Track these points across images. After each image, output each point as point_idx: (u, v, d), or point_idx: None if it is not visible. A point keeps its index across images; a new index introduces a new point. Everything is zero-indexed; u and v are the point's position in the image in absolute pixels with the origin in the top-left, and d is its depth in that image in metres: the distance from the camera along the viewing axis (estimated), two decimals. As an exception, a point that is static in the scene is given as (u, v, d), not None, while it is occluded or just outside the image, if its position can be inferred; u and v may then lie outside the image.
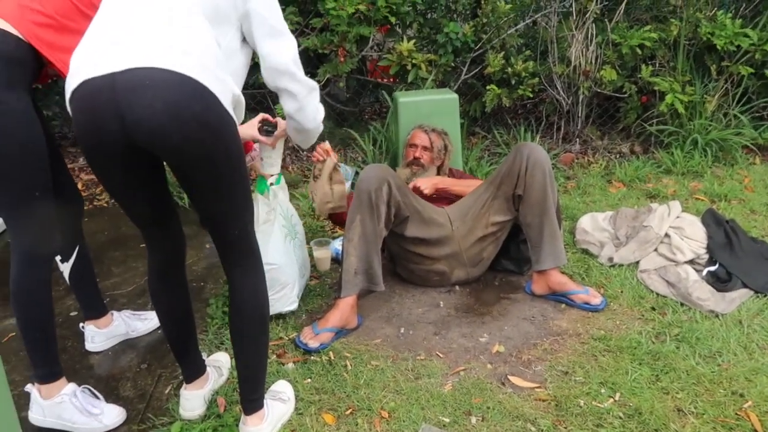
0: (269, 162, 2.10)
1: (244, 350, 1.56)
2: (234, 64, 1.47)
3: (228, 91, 1.28)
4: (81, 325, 2.09)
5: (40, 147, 1.58)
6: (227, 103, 1.27)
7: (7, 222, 1.61)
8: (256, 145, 2.08)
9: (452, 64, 3.66)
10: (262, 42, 1.47)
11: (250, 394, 1.60)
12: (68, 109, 1.26)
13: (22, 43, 1.51)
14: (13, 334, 2.21)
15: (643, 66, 3.63)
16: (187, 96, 1.19)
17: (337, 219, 2.69)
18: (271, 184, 2.14)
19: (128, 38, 1.23)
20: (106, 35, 1.25)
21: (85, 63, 1.22)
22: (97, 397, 1.77)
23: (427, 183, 2.48)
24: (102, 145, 1.24)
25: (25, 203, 1.57)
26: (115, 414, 1.75)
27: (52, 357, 1.70)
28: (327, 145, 2.32)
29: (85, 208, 3.34)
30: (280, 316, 2.20)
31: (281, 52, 1.49)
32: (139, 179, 1.38)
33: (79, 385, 1.77)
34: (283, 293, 2.12)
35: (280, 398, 1.73)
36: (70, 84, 1.24)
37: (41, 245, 1.64)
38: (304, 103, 1.57)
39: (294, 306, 2.18)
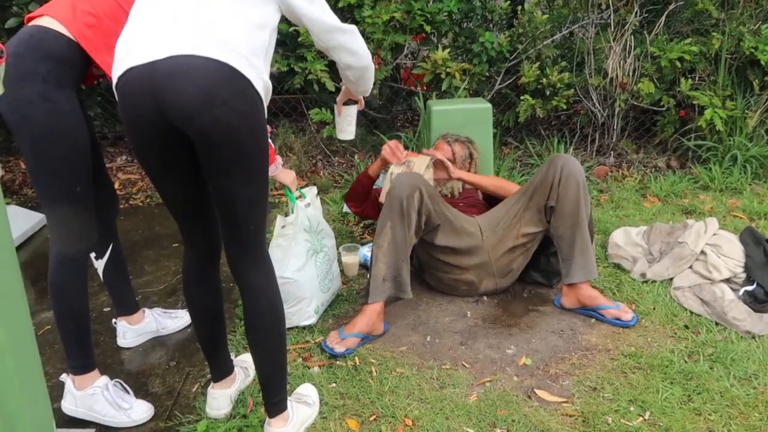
0: (340, 128, 2.23)
1: (261, 354, 1.57)
2: (268, 46, 1.46)
3: (259, 77, 1.33)
4: (113, 320, 2.14)
5: (85, 145, 1.63)
6: (259, 88, 1.33)
7: (48, 216, 1.67)
8: (278, 157, 2.11)
9: (486, 74, 3.65)
10: (304, 10, 1.47)
11: (271, 397, 1.61)
12: (115, 94, 1.34)
13: (73, 44, 1.57)
14: (49, 327, 2.27)
15: (683, 79, 3.56)
16: (221, 81, 1.26)
17: (367, 213, 2.69)
18: (299, 197, 2.15)
19: (170, 27, 1.30)
20: (150, 23, 1.33)
21: (130, 51, 1.29)
22: (128, 392, 1.81)
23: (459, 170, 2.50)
24: (142, 127, 1.32)
25: (66, 199, 1.62)
26: (143, 410, 1.78)
27: (87, 349, 1.75)
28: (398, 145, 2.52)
29: (121, 206, 3.43)
30: (307, 320, 2.21)
31: (324, 12, 1.51)
32: (177, 165, 1.42)
33: (111, 379, 1.81)
34: (299, 307, 2.13)
35: (305, 401, 1.74)
36: (116, 71, 1.31)
37: (79, 240, 1.69)
38: (356, 47, 1.58)
39: (311, 321, 2.18)
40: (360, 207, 2.74)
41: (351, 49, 1.56)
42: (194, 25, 1.30)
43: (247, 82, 1.29)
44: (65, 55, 1.56)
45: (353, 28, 1.57)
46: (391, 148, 2.49)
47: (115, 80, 1.32)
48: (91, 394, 1.74)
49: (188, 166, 1.42)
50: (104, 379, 1.78)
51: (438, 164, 2.55)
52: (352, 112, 2.20)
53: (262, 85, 1.35)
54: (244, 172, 1.37)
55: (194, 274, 1.63)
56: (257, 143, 1.36)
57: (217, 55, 1.26)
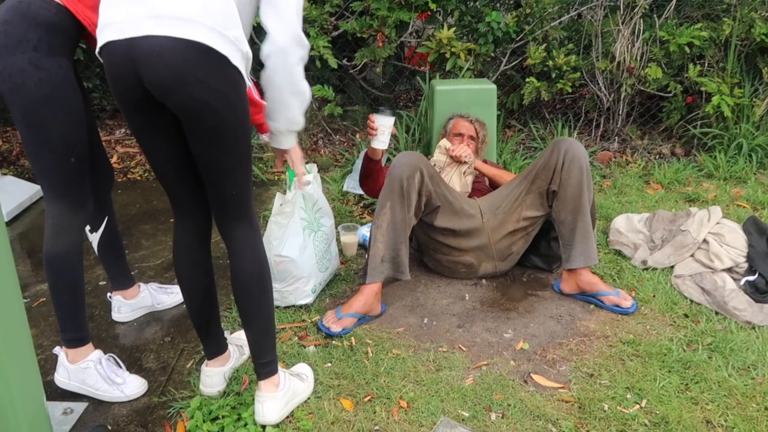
0: (377, 138, 2.30)
1: (248, 312, 1.59)
2: (249, 9, 1.46)
3: (237, 50, 1.33)
4: (108, 294, 2.12)
5: (79, 115, 1.59)
6: (237, 61, 1.33)
7: (42, 187, 1.64)
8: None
9: (492, 54, 3.59)
10: None
11: (260, 357, 1.61)
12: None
13: (61, 9, 1.52)
14: (44, 299, 2.25)
15: (691, 65, 3.50)
16: (195, 62, 1.28)
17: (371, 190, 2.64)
18: (304, 173, 2.11)
19: (154, 2, 1.29)
20: None
21: (110, 22, 1.30)
22: (121, 367, 1.80)
23: (467, 152, 2.45)
24: (126, 95, 1.36)
25: (60, 169, 1.59)
26: (136, 385, 1.77)
27: (81, 322, 1.73)
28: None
29: (119, 180, 3.40)
30: (304, 299, 2.19)
31: None
32: (161, 129, 1.43)
33: (105, 354, 1.79)
34: (296, 287, 2.11)
35: (299, 376, 1.73)
36: (99, 40, 1.33)
37: (74, 211, 1.66)
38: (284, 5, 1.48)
39: (309, 300, 2.16)
40: (374, 189, 2.71)
41: (277, 6, 1.41)
42: None
43: (222, 59, 1.30)
44: (54, 21, 1.52)
45: None
46: (368, 125, 2.40)
47: (98, 49, 1.34)
48: (84, 368, 1.72)
49: (172, 130, 1.43)
50: (98, 353, 1.77)
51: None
52: (388, 122, 2.24)
53: (241, 57, 1.35)
54: (225, 142, 1.39)
55: (184, 250, 1.63)
56: (236, 116, 1.38)
57: (192, 34, 1.26)
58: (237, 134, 1.40)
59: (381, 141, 2.27)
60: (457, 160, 2.48)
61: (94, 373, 1.73)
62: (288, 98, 1.46)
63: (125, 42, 1.27)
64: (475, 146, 2.63)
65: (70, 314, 1.70)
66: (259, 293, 1.57)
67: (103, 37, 1.31)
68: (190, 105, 1.31)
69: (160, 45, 1.26)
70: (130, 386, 1.76)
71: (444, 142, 2.53)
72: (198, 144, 1.39)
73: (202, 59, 1.28)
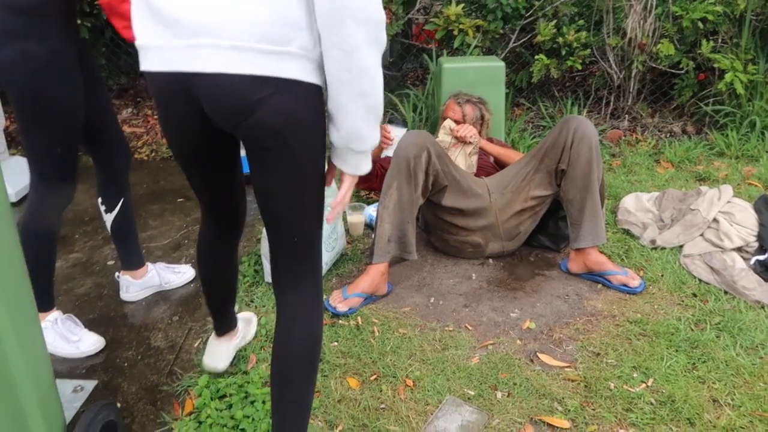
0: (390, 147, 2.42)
1: (286, 396, 1.27)
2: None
3: (308, 61, 1.09)
4: (117, 274, 2.14)
5: (74, 105, 1.58)
6: (309, 75, 1.10)
7: (29, 167, 1.66)
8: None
9: (501, 31, 3.53)
10: None
11: None
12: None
13: None
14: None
15: (704, 41, 3.43)
16: (258, 93, 1.07)
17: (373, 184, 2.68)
18: None
19: (193, 21, 1.06)
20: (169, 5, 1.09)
21: (151, 45, 1.12)
22: (78, 325, 1.88)
23: (472, 131, 2.44)
24: (177, 123, 1.20)
25: (44, 158, 1.61)
26: (92, 342, 1.86)
27: (47, 294, 1.82)
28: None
29: (127, 160, 3.40)
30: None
31: None
32: (212, 158, 1.28)
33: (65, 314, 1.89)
34: None
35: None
36: (142, 62, 1.15)
37: (54, 198, 1.70)
38: None
39: None
40: (366, 182, 2.76)
41: None
42: (225, 13, 1.05)
43: (293, 83, 1.08)
44: (37, 5, 1.47)
45: None
46: (383, 135, 2.53)
47: (142, 67, 1.16)
48: (44, 328, 1.78)
49: (223, 158, 1.30)
50: (56, 314, 1.86)
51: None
52: (401, 133, 2.29)
53: (313, 67, 1.10)
54: (296, 175, 1.17)
55: (209, 249, 1.53)
56: (314, 143, 1.16)
57: (251, 66, 1.05)
58: (310, 166, 1.18)
59: (392, 149, 2.32)
60: (462, 141, 2.45)
61: (52, 332, 1.83)
62: (345, 99, 1.10)
63: (177, 76, 1.09)
64: (478, 128, 2.61)
65: (36, 287, 1.74)
66: (308, 373, 1.27)
67: (147, 61, 1.14)
68: (260, 133, 1.11)
69: (219, 84, 1.07)
70: (85, 343, 1.85)
71: (448, 122, 2.51)
72: (262, 174, 1.17)
73: (270, 90, 1.07)
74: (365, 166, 1.20)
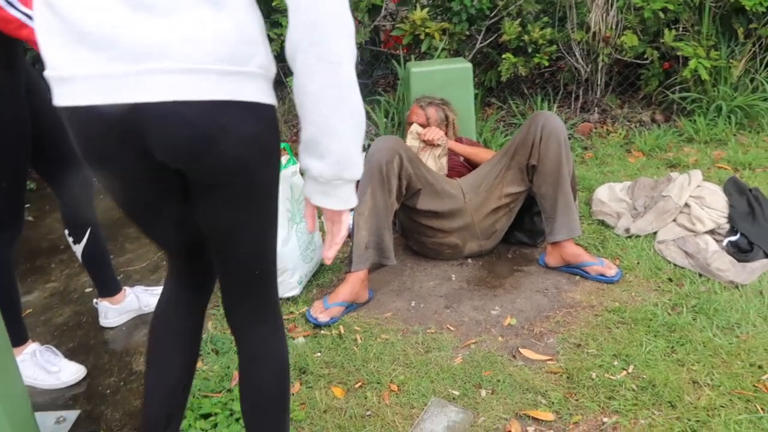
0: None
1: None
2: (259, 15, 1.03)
3: (265, 80, 0.99)
4: (95, 300, 2.12)
5: (16, 139, 1.56)
6: (267, 95, 1.00)
7: None
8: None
9: (467, 33, 3.57)
10: None
11: None
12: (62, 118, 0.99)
13: None
14: (30, 310, 2.25)
15: (666, 30, 3.50)
16: (218, 121, 0.94)
17: None
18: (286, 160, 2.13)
19: (137, 42, 0.90)
20: (89, 23, 0.90)
21: (76, 75, 0.92)
22: (57, 355, 1.87)
23: (439, 134, 2.46)
24: (116, 164, 1.01)
25: None
26: (72, 371, 1.85)
27: (15, 326, 1.78)
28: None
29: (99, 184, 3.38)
30: (291, 291, 2.19)
31: None
32: (166, 197, 1.09)
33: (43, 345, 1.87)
34: (282, 279, 2.10)
35: None
36: (61, 96, 0.95)
37: (3, 233, 1.67)
38: None
39: (295, 292, 2.16)
40: None
41: None
42: (164, 20, 0.90)
43: (253, 106, 0.97)
44: None
45: None
46: None
47: (62, 101, 0.95)
48: (21, 361, 1.78)
49: (180, 200, 1.10)
50: (34, 346, 1.85)
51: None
52: None
53: (269, 85, 1.00)
54: (256, 205, 1.06)
55: (168, 312, 1.26)
56: (273, 168, 1.06)
57: (209, 91, 0.92)
58: (270, 192, 1.07)
59: None
60: (429, 144, 2.48)
61: (31, 365, 1.81)
62: (335, 120, 0.95)
63: (115, 110, 0.91)
64: (444, 129, 2.63)
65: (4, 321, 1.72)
66: (279, 413, 1.21)
67: (70, 95, 0.94)
68: (224, 167, 0.98)
69: (173, 115, 0.92)
70: (66, 373, 1.84)
71: (415, 127, 2.53)
72: (221, 212, 1.04)
73: (233, 116, 0.95)
74: (353, 198, 1.03)
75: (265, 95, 0.99)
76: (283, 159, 2.13)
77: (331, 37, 0.92)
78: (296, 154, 3.09)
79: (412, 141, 2.50)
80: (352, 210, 2.47)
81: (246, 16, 0.95)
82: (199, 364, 1.84)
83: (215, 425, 1.62)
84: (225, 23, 0.92)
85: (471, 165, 2.55)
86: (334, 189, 1.00)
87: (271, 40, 3.31)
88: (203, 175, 1.00)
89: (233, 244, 1.09)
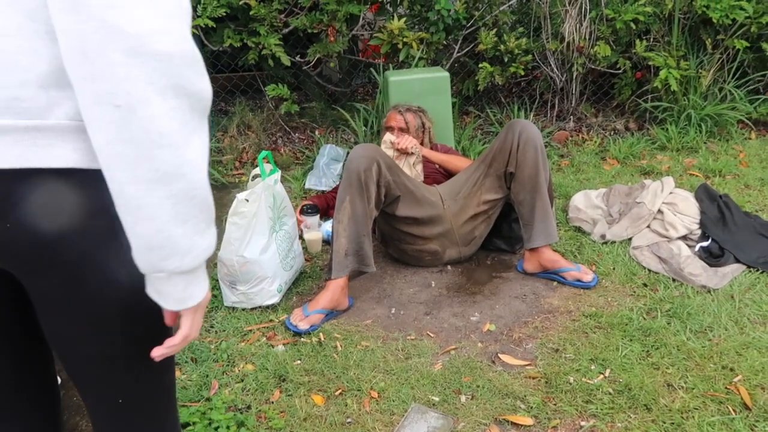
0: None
1: None
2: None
3: (60, 138, 0.71)
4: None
5: None
6: (57, 157, 0.71)
7: None
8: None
9: (444, 42, 3.61)
10: None
11: None
12: None
13: None
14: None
15: (638, 41, 3.58)
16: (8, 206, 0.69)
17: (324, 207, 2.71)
18: (269, 170, 2.13)
19: None
20: None
21: None
22: None
23: (413, 142, 2.49)
24: None
25: None
26: None
27: None
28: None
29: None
30: (270, 299, 2.19)
31: None
32: None
33: None
34: (261, 287, 2.09)
35: None
36: None
37: None
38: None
39: (275, 300, 2.15)
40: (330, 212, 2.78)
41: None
42: None
43: (64, 172, 0.71)
44: None
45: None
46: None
47: None
48: None
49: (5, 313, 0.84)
50: None
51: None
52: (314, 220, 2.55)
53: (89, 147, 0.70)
54: (85, 311, 0.77)
55: None
56: (106, 258, 0.75)
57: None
58: (118, 293, 0.77)
59: (312, 232, 2.56)
60: (403, 152, 2.50)
61: None
62: (132, 189, 0.67)
63: None
64: (417, 137, 2.65)
65: None
66: None
67: None
68: (16, 255, 0.73)
69: None
70: None
71: (389, 136, 2.55)
72: (46, 319, 0.79)
73: (21, 187, 0.69)
74: (198, 292, 0.76)
75: (85, 156, 0.71)
76: (267, 167, 2.13)
77: (113, 63, 0.63)
78: (277, 162, 3.09)
79: (386, 150, 2.52)
80: (320, 227, 2.52)
81: (39, 46, 0.68)
82: (178, 373, 1.82)
83: (194, 435, 1.60)
84: (4, 56, 0.68)
85: (446, 172, 2.58)
86: (160, 284, 0.74)
87: (248, 48, 3.31)
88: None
89: (72, 361, 0.82)
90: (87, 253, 0.73)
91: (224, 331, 2.05)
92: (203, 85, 0.69)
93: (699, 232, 2.41)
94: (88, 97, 0.65)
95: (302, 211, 2.62)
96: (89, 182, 0.72)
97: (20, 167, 0.68)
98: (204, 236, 0.73)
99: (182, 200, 0.69)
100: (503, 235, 2.49)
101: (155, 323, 0.81)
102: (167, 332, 0.82)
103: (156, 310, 0.78)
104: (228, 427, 1.60)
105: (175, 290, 0.75)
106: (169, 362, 0.87)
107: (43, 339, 0.85)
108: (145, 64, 0.63)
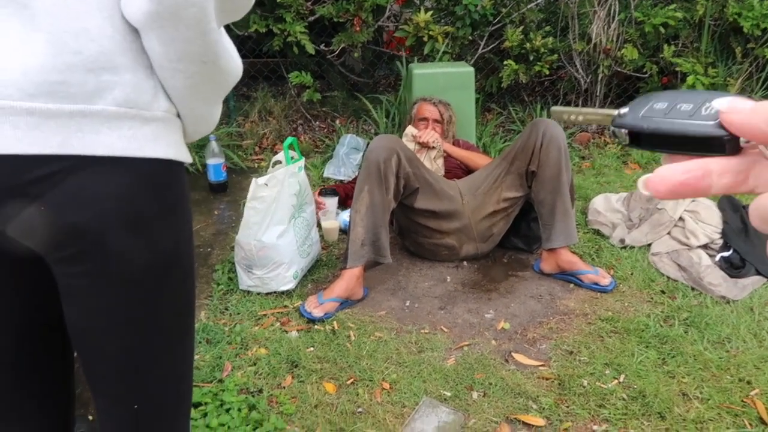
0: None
1: None
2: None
3: (149, 123, 0.72)
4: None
5: None
6: (157, 147, 0.73)
7: None
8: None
9: (470, 38, 3.58)
10: None
11: None
12: None
13: None
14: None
15: (666, 45, 3.53)
16: (40, 186, 0.67)
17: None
18: (293, 158, 2.13)
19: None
20: None
21: None
22: None
23: (435, 136, 2.48)
24: None
25: None
26: None
27: None
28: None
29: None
30: (285, 285, 2.19)
31: None
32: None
33: None
34: (277, 273, 2.10)
35: None
36: None
37: None
38: None
39: (290, 286, 2.15)
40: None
41: None
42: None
43: (108, 160, 0.69)
44: None
45: None
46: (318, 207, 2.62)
47: None
48: None
49: (22, 290, 0.79)
50: None
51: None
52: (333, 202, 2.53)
53: (155, 132, 0.72)
54: (115, 299, 0.75)
55: None
56: (154, 252, 0.76)
57: (29, 143, 0.65)
58: (151, 279, 0.76)
59: (329, 213, 2.57)
60: (425, 146, 2.49)
61: None
62: (204, 109, 0.80)
63: None
64: (441, 129, 2.64)
65: None
66: None
67: None
68: (52, 240, 0.70)
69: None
70: None
71: (410, 129, 2.54)
72: (74, 306, 0.76)
73: (56, 168, 0.67)
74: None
75: (133, 144, 0.70)
76: (291, 154, 2.13)
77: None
78: (302, 151, 3.10)
79: (407, 143, 2.51)
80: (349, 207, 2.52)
81: (92, 26, 0.66)
82: (191, 354, 1.83)
83: (205, 414, 1.61)
84: (40, 38, 0.64)
85: (467, 168, 2.57)
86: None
87: (274, 35, 3.30)
88: (46, 252, 0.72)
89: (93, 359, 0.78)
90: (122, 242, 0.72)
91: (239, 314, 2.06)
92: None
93: (720, 241, 2.38)
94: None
95: (321, 193, 2.62)
96: (131, 171, 0.71)
97: (63, 154, 0.66)
98: (218, 109, 0.86)
99: (221, 93, 0.81)
100: (521, 234, 2.47)
101: (184, 319, 0.82)
102: (192, 329, 0.83)
103: (186, 306, 0.81)
104: (239, 410, 1.61)
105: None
106: (189, 365, 0.86)
107: (64, 332, 0.83)
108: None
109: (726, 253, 2.30)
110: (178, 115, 0.77)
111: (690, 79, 3.42)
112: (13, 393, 0.85)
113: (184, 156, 0.77)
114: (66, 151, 0.66)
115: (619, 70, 3.66)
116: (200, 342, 1.91)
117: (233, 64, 0.79)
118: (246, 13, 0.78)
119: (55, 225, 0.68)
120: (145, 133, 0.70)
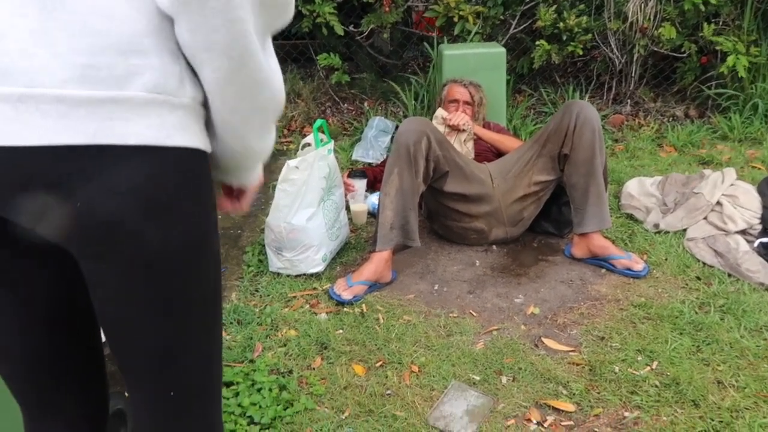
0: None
1: None
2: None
3: (179, 110, 0.70)
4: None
5: None
6: (186, 136, 0.71)
7: None
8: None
9: (501, 17, 3.51)
10: None
11: None
12: None
13: None
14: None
15: (706, 24, 3.41)
16: (90, 169, 0.65)
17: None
18: (323, 141, 2.13)
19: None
20: None
21: None
22: None
23: (465, 119, 2.45)
24: None
25: None
26: None
27: None
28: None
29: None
30: (314, 267, 2.20)
31: None
32: (18, 281, 0.79)
33: None
34: (307, 255, 2.11)
35: None
36: None
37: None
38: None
39: (319, 268, 2.16)
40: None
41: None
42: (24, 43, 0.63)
43: (140, 150, 0.67)
44: None
45: None
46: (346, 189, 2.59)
47: None
48: None
49: (46, 288, 0.80)
50: None
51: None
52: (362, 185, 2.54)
53: (184, 120, 0.71)
54: (144, 290, 0.74)
55: None
56: (185, 242, 0.74)
57: (61, 133, 0.63)
58: (181, 269, 0.75)
59: (358, 196, 2.56)
60: (455, 129, 2.46)
61: None
62: (238, 117, 0.76)
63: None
64: (472, 111, 2.60)
65: None
66: None
67: None
68: (80, 235, 0.69)
69: (25, 165, 0.64)
70: None
71: (440, 112, 2.51)
72: (106, 300, 0.75)
73: (87, 163, 0.65)
74: (255, 176, 0.90)
75: (162, 133, 0.68)
76: (321, 137, 2.13)
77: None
78: (331, 133, 3.11)
79: (437, 126, 2.48)
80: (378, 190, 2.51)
81: (116, 7, 0.64)
82: (224, 334, 1.86)
83: (237, 394, 1.64)
84: (76, 22, 0.62)
85: (497, 151, 2.53)
86: (233, 171, 0.89)
87: (303, 16, 3.29)
88: (70, 245, 0.70)
89: (128, 351, 0.78)
90: (155, 234, 0.70)
91: (269, 295, 2.08)
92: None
93: (759, 227, 2.31)
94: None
95: (350, 175, 2.62)
96: (162, 160, 0.68)
97: (96, 143, 0.63)
98: (269, 140, 0.85)
99: (269, 119, 0.80)
100: (552, 218, 2.44)
101: (214, 302, 0.82)
102: (220, 312, 0.85)
103: (216, 290, 0.81)
104: (270, 390, 1.63)
105: (245, 174, 0.88)
106: (219, 348, 0.87)
107: (91, 318, 0.84)
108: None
109: (765, 239, 2.23)
110: (203, 104, 0.74)
111: (731, 59, 3.30)
112: (52, 390, 0.87)
113: (208, 145, 0.76)
114: (100, 140, 0.63)
115: (655, 49, 3.55)
116: (231, 323, 1.94)
117: (271, 78, 0.75)
118: (291, 16, 0.78)
119: (90, 223, 0.66)
120: (173, 121, 0.69)
